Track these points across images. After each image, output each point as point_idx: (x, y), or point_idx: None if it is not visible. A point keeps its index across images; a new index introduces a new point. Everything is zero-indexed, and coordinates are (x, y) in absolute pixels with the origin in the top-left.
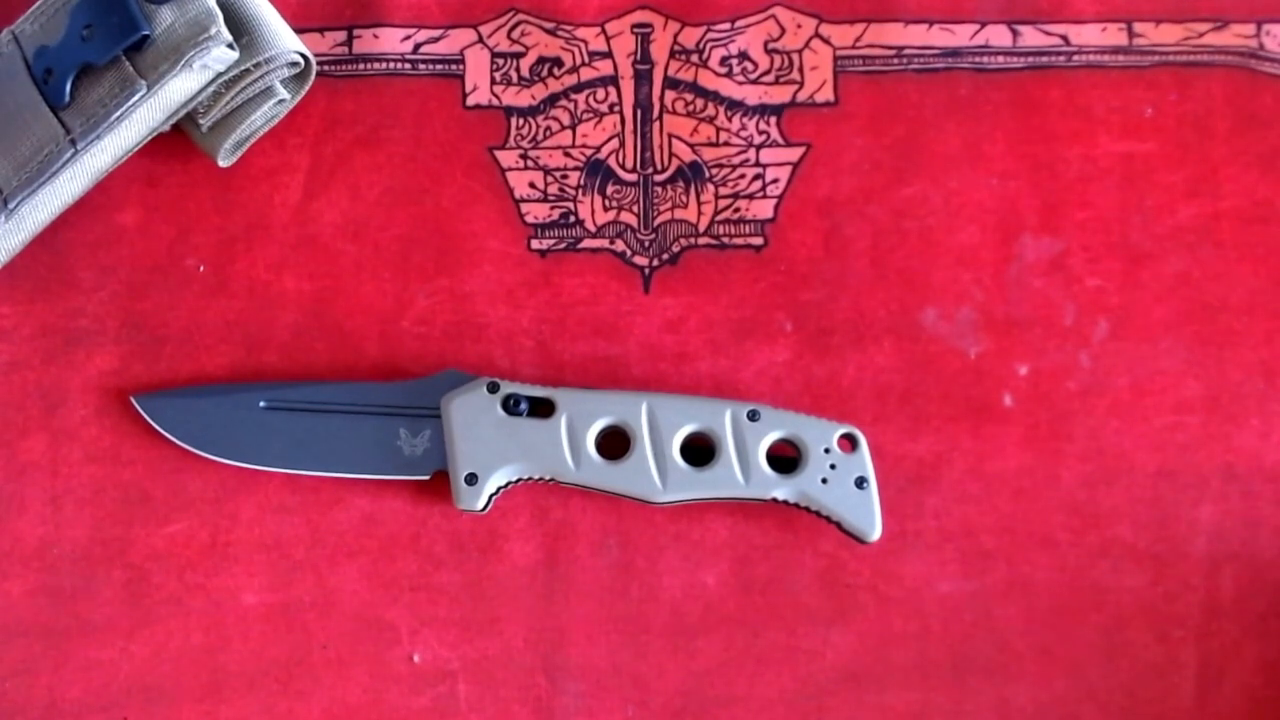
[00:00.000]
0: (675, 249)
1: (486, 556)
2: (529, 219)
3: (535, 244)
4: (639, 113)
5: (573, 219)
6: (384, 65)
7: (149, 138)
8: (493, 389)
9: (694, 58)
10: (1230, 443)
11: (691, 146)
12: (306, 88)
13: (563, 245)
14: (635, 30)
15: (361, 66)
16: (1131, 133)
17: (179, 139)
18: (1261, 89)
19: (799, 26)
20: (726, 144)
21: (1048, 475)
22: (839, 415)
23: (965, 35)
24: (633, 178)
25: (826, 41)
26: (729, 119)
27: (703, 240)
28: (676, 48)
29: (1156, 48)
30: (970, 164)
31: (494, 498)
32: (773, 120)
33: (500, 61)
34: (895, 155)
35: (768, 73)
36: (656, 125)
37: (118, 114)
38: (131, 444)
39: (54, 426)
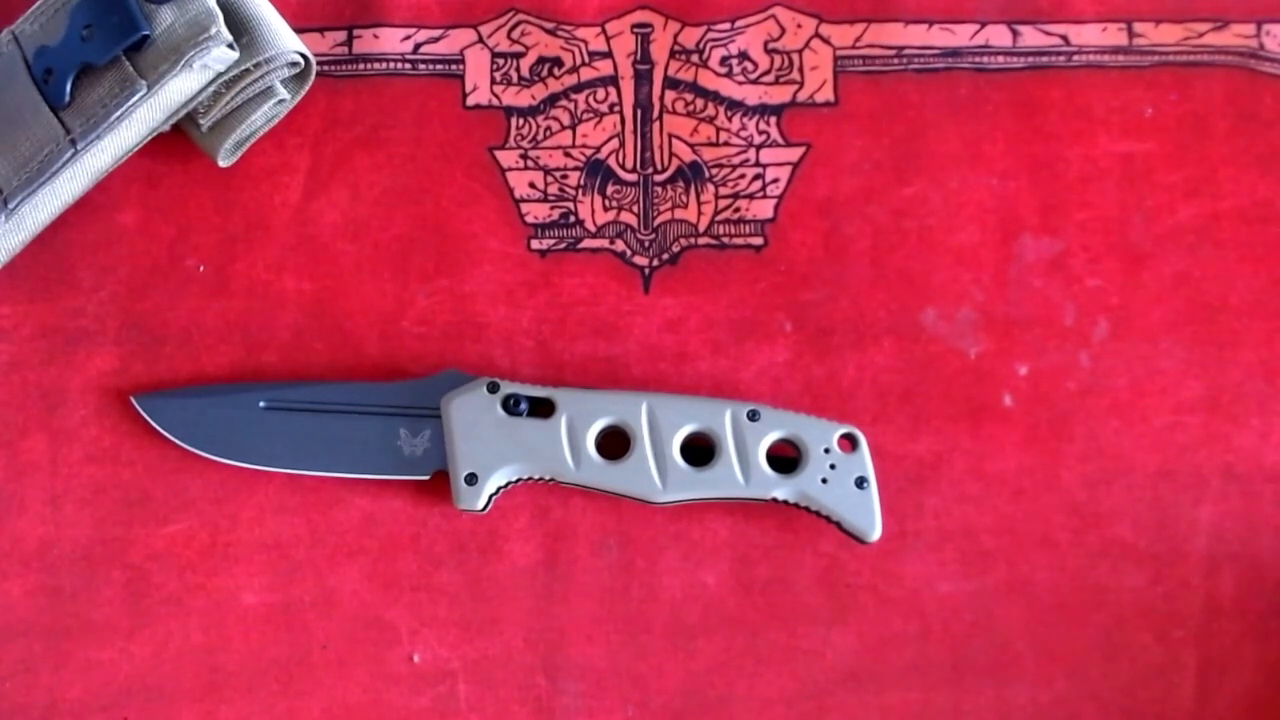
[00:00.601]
0: (675, 249)
1: (486, 556)
2: (529, 219)
3: (535, 244)
4: (639, 113)
5: (573, 219)
6: (384, 65)
7: (149, 138)
8: (493, 389)
9: (694, 58)
10: (1230, 443)
11: (691, 146)
12: (306, 88)
13: (563, 245)
14: (635, 30)
15: (361, 66)
16: (1131, 133)
17: (179, 139)
18: (1261, 89)
19: (799, 26)
20: (726, 144)
21: (1048, 475)
22: (839, 415)
23: (965, 35)
24: (633, 178)
25: (826, 41)
26: (729, 119)
27: (703, 240)
28: (676, 48)
29: (1156, 48)
30: (970, 164)
31: (494, 498)
32: (773, 120)
33: (500, 61)
34: (895, 155)
35: (768, 73)
36: (656, 125)
37: (118, 114)
38: (131, 444)
39: (54, 426)
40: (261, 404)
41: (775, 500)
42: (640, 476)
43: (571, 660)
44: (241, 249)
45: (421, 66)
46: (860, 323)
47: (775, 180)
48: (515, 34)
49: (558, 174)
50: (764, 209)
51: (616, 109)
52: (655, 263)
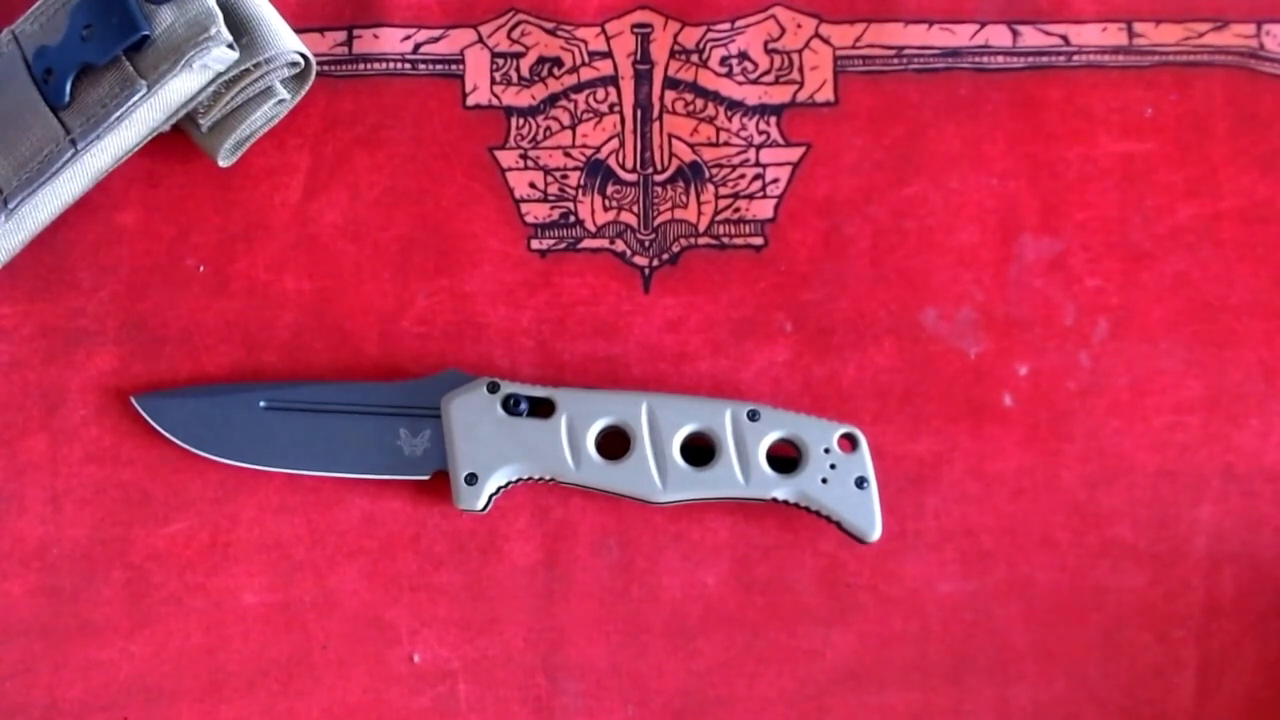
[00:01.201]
0: (675, 249)
1: (486, 556)
2: (529, 219)
3: (535, 244)
4: (639, 113)
5: (573, 219)
6: (384, 65)
7: (149, 138)
8: (493, 389)
9: (694, 58)
10: (1230, 443)
11: (691, 146)
12: (306, 88)
13: (563, 245)
14: (635, 30)
15: (361, 66)
16: (1131, 133)
17: (179, 139)
18: (1261, 89)
19: (799, 26)
20: (726, 144)
21: (1048, 475)
22: (839, 415)
23: (965, 35)
24: (633, 178)
25: (826, 41)
26: (729, 119)
27: (703, 240)
28: (676, 48)
29: (1156, 48)
30: (970, 164)
31: (494, 498)
32: (773, 120)
33: (500, 61)
34: (895, 155)
35: (768, 73)
36: (656, 125)
37: (118, 114)
38: (131, 444)
39: (54, 426)
40: (261, 404)
41: (775, 500)
42: (640, 476)
43: (571, 660)
44: (241, 249)
45: (421, 66)
46: (860, 323)
47: (775, 180)
48: (515, 34)
49: (558, 174)
50: (764, 209)
51: (616, 109)
52: (655, 263)
